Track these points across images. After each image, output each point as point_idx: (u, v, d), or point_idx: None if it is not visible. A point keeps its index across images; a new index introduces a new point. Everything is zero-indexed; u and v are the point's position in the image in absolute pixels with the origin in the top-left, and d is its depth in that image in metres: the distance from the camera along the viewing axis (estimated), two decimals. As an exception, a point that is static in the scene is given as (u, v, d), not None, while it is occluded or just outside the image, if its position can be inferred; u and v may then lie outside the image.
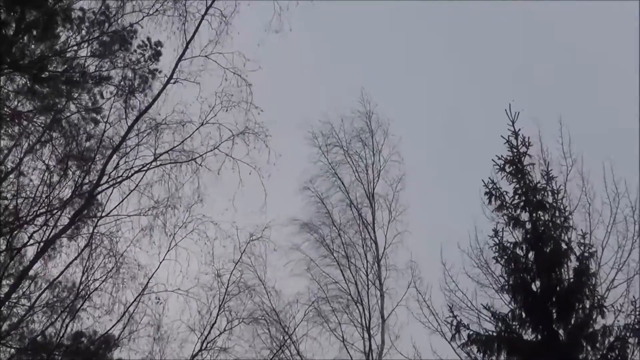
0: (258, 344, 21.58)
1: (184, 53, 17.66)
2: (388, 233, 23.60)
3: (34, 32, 14.82)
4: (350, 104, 24.76)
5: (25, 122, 15.16)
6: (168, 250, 17.97)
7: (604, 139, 23.45)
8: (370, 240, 23.76)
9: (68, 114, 16.26)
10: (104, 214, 17.03)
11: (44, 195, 15.21)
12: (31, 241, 15.65)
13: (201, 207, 18.17)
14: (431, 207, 28.04)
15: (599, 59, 35.22)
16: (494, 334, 13.77)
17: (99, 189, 16.74)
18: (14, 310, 16.26)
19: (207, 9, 17.75)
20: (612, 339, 12.88)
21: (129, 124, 17.10)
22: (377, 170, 24.67)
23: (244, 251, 20.22)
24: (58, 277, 16.81)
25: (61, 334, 16.15)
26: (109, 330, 16.94)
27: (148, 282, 17.61)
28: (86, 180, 16.24)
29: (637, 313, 13.10)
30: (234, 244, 19.46)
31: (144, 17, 17.02)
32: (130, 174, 17.10)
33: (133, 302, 17.34)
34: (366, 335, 22.18)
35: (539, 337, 13.41)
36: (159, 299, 17.74)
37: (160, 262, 17.83)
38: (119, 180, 16.98)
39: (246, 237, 20.04)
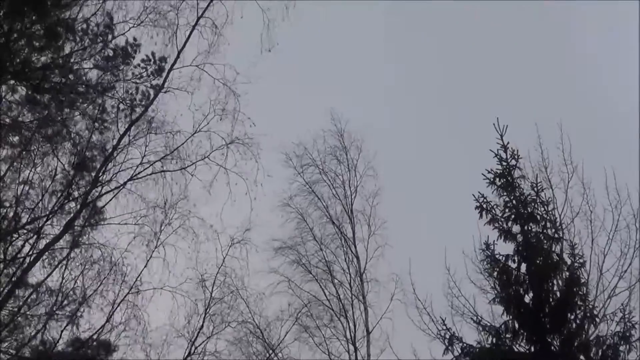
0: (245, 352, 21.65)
1: (175, 62, 17.94)
2: (369, 247, 24.00)
3: (37, 43, 14.73)
4: (323, 123, 25.21)
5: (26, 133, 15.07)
6: (155, 248, 17.94)
7: (605, 145, 23.62)
8: (351, 255, 24.00)
9: (73, 124, 16.26)
10: (96, 222, 17.01)
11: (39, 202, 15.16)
12: (27, 248, 15.58)
13: (186, 204, 18.35)
14: (435, 210, 28.09)
15: (598, 60, 35.58)
16: (489, 345, 13.81)
17: (92, 196, 16.76)
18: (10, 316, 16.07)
19: (198, 19, 18.09)
20: (605, 347, 13.04)
21: (120, 132, 17.26)
22: (353, 187, 25.08)
23: (227, 254, 20.20)
24: (45, 280, 16.62)
25: (58, 341, 16.01)
26: (97, 330, 16.77)
27: (135, 282, 17.57)
28: (81, 187, 16.21)
29: (627, 320, 13.24)
30: (215, 247, 19.52)
31: (130, 28, 17.13)
32: (123, 182, 17.23)
33: (121, 302, 17.25)
34: (352, 348, 22.43)
35: (533, 348, 13.49)
36: (138, 290, 17.53)
37: (148, 261, 17.81)
38: (111, 187, 17.11)
39: (228, 241, 20.08)
